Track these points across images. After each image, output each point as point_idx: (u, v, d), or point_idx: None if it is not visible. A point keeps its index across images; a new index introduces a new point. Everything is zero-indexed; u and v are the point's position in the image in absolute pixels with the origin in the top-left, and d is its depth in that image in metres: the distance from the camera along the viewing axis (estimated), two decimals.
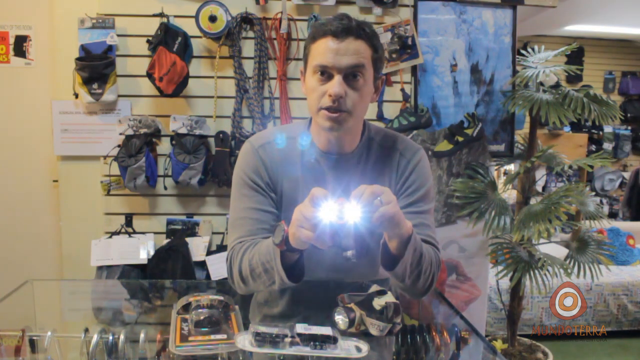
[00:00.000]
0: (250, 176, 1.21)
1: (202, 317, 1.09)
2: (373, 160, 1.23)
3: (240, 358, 1.07)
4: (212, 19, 2.43)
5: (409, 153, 1.24)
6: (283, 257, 1.05)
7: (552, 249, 2.95)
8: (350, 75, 1.10)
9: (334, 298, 1.13)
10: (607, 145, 5.44)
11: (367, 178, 1.22)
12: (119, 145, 2.48)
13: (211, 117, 2.51)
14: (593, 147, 5.28)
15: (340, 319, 1.08)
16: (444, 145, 2.57)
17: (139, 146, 2.42)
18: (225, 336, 1.06)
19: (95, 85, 2.42)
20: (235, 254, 1.17)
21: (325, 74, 1.10)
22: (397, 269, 1.04)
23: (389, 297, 1.10)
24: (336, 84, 1.08)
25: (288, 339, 0.95)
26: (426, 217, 1.21)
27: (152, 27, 2.44)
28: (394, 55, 2.58)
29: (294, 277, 1.07)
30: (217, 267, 2.45)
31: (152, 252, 2.47)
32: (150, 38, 2.44)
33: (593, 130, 5.37)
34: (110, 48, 2.46)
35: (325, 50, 1.09)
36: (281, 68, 2.54)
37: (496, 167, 3.03)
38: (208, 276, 2.47)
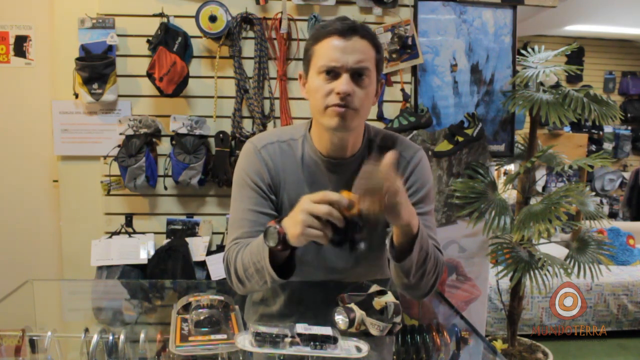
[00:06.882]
0: (252, 177, 1.20)
1: (202, 317, 1.09)
2: None
3: (240, 358, 1.06)
4: (212, 19, 2.43)
5: (409, 154, 1.24)
6: (273, 256, 1.05)
7: (552, 249, 2.95)
8: (356, 74, 1.10)
9: (334, 298, 1.13)
10: (607, 145, 5.45)
11: None
12: (119, 145, 2.48)
13: (211, 117, 2.51)
14: (593, 147, 5.28)
15: (340, 319, 1.08)
16: (444, 145, 2.57)
17: (139, 146, 2.42)
18: (225, 336, 1.06)
19: (95, 85, 2.42)
20: (230, 255, 1.17)
21: (332, 73, 1.10)
22: (405, 263, 1.04)
23: (389, 297, 1.10)
24: (344, 82, 1.08)
25: (288, 339, 0.95)
26: (427, 219, 1.20)
27: (152, 27, 2.44)
28: (394, 55, 2.58)
29: (284, 274, 1.07)
30: (217, 267, 2.45)
31: (152, 252, 2.47)
32: (150, 38, 2.45)
33: (593, 130, 5.37)
34: (110, 48, 2.46)
35: (331, 49, 1.09)
36: (281, 68, 2.54)
37: (496, 167, 3.03)
38: (208, 276, 2.47)
